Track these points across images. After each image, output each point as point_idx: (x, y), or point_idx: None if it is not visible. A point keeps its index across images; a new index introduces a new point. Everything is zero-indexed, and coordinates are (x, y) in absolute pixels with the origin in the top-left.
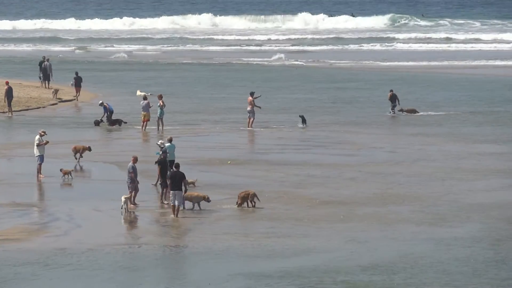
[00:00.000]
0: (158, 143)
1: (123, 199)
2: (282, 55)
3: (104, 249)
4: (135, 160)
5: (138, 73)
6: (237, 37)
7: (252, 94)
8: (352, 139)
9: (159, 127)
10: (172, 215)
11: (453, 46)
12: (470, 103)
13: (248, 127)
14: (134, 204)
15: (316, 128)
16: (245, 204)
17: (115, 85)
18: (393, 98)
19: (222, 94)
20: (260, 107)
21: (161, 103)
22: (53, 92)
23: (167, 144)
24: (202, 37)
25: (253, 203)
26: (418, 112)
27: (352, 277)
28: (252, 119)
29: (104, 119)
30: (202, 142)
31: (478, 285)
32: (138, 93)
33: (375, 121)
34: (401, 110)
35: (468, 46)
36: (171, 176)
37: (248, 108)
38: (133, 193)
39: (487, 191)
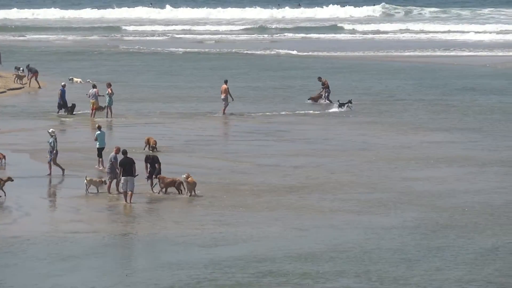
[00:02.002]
0: (49, 131)
1: (86, 180)
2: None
3: (51, 237)
4: (118, 150)
5: (83, 62)
6: (185, 27)
7: (226, 82)
8: (300, 128)
9: (108, 115)
10: (125, 202)
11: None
12: (422, 92)
13: (223, 113)
14: (110, 192)
15: (264, 117)
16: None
17: (57, 74)
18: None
19: (169, 82)
20: (232, 99)
21: (110, 91)
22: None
23: (97, 132)
24: (146, 27)
25: (180, 191)
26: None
27: (278, 266)
28: (225, 106)
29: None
30: (152, 131)
31: (407, 274)
32: (75, 80)
33: (325, 110)
34: (311, 99)
35: (423, 36)
36: (121, 163)
37: (222, 96)
38: (112, 182)
39: (429, 180)
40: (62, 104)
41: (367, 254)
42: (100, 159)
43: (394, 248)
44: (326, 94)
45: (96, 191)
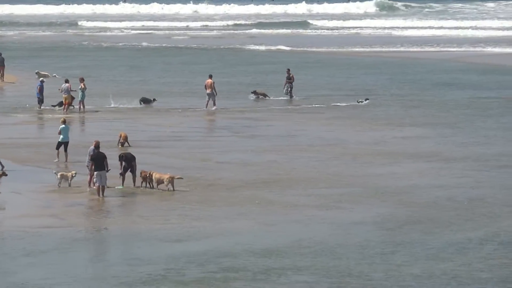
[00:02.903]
0: None
1: (58, 175)
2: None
3: (24, 231)
4: (97, 144)
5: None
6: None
7: (211, 76)
8: (271, 123)
9: (81, 110)
10: (98, 196)
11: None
12: (395, 87)
13: (206, 107)
14: (90, 186)
15: (236, 113)
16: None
17: (27, 68)
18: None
19: (140, 77)
20: (216, 93)
21: (83, 86)
22: None
23: (62, 126)
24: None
25: (151, 185)
26: (269, 97)
27: (239, 261)
28: (209, 101)
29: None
30: (125, 125)
31: (368, 269)
32: (40, 73)
33: (298, 104)
34: (255, 92)
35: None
36: (94, 158)
37: (208, 91)
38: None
39: (396, 175)
40: (42, 98)
41: (330, 250)
42: (65, 153)
43: (357, 244)
44: (288, 89)
45: (68, 186)
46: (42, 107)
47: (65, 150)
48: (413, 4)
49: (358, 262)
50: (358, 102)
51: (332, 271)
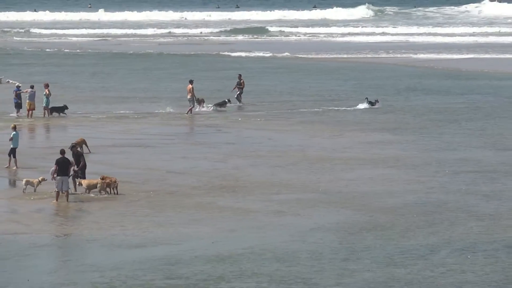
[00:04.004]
0: None
1: (23, 181)
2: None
3: None
4: (63, 150)
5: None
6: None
7: (191, 82)
8: (237, 129)
9: (45, 116)
10: (55, 201)
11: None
12: (362, 92)
13: (187, 113)
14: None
15: (201, 118)
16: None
17: None
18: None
19: (103, 83)
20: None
21: (47, 92)
22: None
23: (13, 133)
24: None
25: (115, 191)
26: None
27: (190, 268)
28: (192, 107)
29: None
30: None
31: (319, 276)
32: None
33: (260, 109)
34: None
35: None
36: (58, 162)
37: (188, 96)
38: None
39: (359, 181)
40: (20, 103)
41: (283, 256)
42: (14, 158)
43: (312, 250)
44: (238, 93)
45: (34, 191)
46: (18, 114)
47: (14, 156)
48: (390, 10)
49: (311, 268)
50: (370, 104)
51: (283, 277)
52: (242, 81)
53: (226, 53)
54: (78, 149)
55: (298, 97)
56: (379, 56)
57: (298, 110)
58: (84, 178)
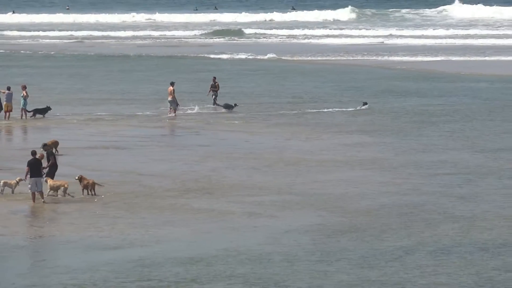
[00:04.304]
0: None
1: (1, 182)
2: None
3: None
4: (34, 151)
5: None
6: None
7: (172, 83)
8: (213, 131)
9: (23, 117)
10: (32, 203)
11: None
12: (340, 94)
13: (169, 114)
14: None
15: (178, 120)
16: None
17: None
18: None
19: (82, 85)
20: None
21: (25, 94)
22: None
23: None
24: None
25: (93, 192)
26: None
27: (163, 270)
28: (171, 109)
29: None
30: (64, 134)
31: (292, 278)
32: None
33: (237, 111)
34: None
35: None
36: (29, 164)
37: (169, 98)
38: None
39: (336, 183)
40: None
41: (257, 258)
42: None
43: (287, 252)
44: (213, 96)
45: (12, 193)
46: None
47: None
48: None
49: (284, 270)
50: (358, 108)
51: (256, 279)
52: (216, 83)
53: (204, 55)
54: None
55: (276, 99)
56: (356, 58)
57: (275, 112)
58: (52, 178)
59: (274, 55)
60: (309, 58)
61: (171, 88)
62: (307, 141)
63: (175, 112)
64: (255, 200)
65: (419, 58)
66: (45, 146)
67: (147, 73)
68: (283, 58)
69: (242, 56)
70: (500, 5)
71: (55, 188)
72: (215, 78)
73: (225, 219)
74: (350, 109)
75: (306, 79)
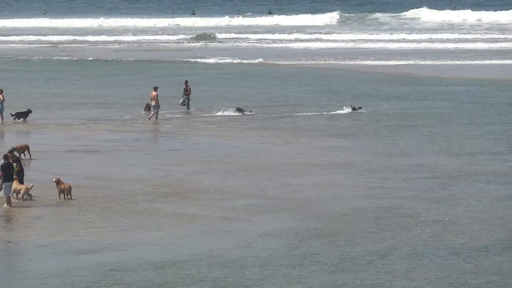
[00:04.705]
0: None
1: None
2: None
3: None
4: (6, 155)
5: None
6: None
7: (156, 88)
8: (188, 134)
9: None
10: (6, 205)
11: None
12: (316, 98)
13: (150, 119)
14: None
15: (153, 124)
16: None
17: None
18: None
19: (56, 89)
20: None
21: (1, 98)
22: None
23: None
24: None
25: (69, 196)
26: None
27: (133, 275)
28: (154, 113)
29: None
30: (39, 138)
31: (266, 282)
32: None
33: (212, 115)
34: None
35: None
36: (2, 168)
37: (153, 103)
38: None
39: (311, 187)
40: None
41: (229, 263)
42: None
43: (259, 256)
44: (186, 101)
45: None
46: None
47: None
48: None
49: (257, 275)
50: (354, 110)
51: (228, 284)
52: (188, 87)
53: (180, 59)
54: (16, 154)
55: (251, 103)
56: (332, 62)
57: (253, 116)
58: (22, 183)
59: (261, 60)
60: (286, 62)
61: (154, 93)
62: (283, 145)
63: (156, 117)
64: (229, 204)
65: (395, 62)
66: (11, 152)
67: (123, 77)
68: (269, 62)
69: (220, 60)
70: (467, 10)
71: (17, 191)
72: (187, 82)
73: (199, 223)
74: (341, 112)
75: (282, 83)
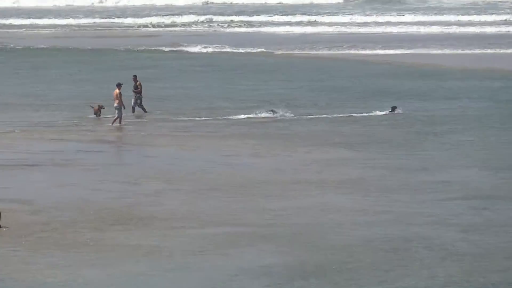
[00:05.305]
0: None
1: None
2: None
3: None
4: None
5: None
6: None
7: (119, 85)
8: (142, 145)
9: None
10: None
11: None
12: (319, 96)
13: (113, 124)
14: None
15: (103, 131)
16: None
17: None
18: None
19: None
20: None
21: None
22: None
23: None
24: None
25: None
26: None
27: None
28: (117, 117)
29: None
30: None
31: None
32: None
33: (177, 120)
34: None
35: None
36: None
37: (115, 104)
38: None
39: (304, 210)
40: None
41: None
42: None
43: None
44: (138, 101)
45: None
46: None
47: None
48: None
49: None
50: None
51: None
52: (138, 83)
53: (139, 48)
54: None
55: (230, 103)
56: (334, 52)
57: (229, 120)
58: None
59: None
60: (274, 51)
61: (117, 91)
62: (269, 157)
63: (120, 122)
64: (198, 234)
65: (415, 51)
66: None
67: (65, 70)
68: (240, 51)
69: (192, 48)
70: None
71: None
72: (135, 77)
73: (159, 257)
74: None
75: (269, 77)
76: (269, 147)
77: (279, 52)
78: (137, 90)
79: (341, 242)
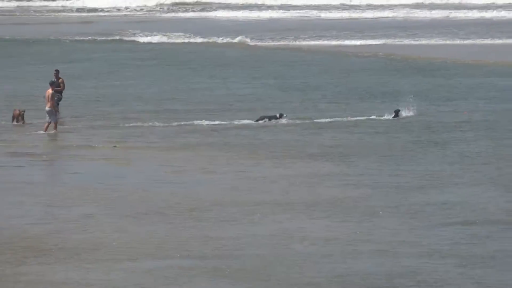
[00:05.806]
0: None
1: None
2: None
3: None
4: None
5: None
6: None
7: (52, 84)
8: (68, 158)
9: None
10: None
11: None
12: (290, 97)
13: (45, 131)
14: None
15: (19, 143)
16: None
17: None
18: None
19: None
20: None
21: None
22: None
23: None
24: None
25: None
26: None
27: None
28: (51, 122)
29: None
30: None
31: None
32: None
33: (112, 126)
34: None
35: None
36: None
37: (47, 108)
38: None
39: (267, 238)
40: None
41: None
42: None
43: None
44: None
45: None
46: None
47: None
48: None
49: None
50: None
51: None
52: (60, 80)
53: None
54: None
55: (182, 106)
56: (308, 42)
57: (181, 127)
58: None
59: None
60: (234, 40)
61: (50, 91)
62: (229, 173)
63: (55, 127)
64: (139, 267)
65: (403, 41)
66: None
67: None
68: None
69: (133, 38)
70: None
71: None
72: (58, 72)
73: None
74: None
75: (231, 74)
76: (227, 160)
77: (241, 41)
78: (58, 88)
79: (308, 279)
